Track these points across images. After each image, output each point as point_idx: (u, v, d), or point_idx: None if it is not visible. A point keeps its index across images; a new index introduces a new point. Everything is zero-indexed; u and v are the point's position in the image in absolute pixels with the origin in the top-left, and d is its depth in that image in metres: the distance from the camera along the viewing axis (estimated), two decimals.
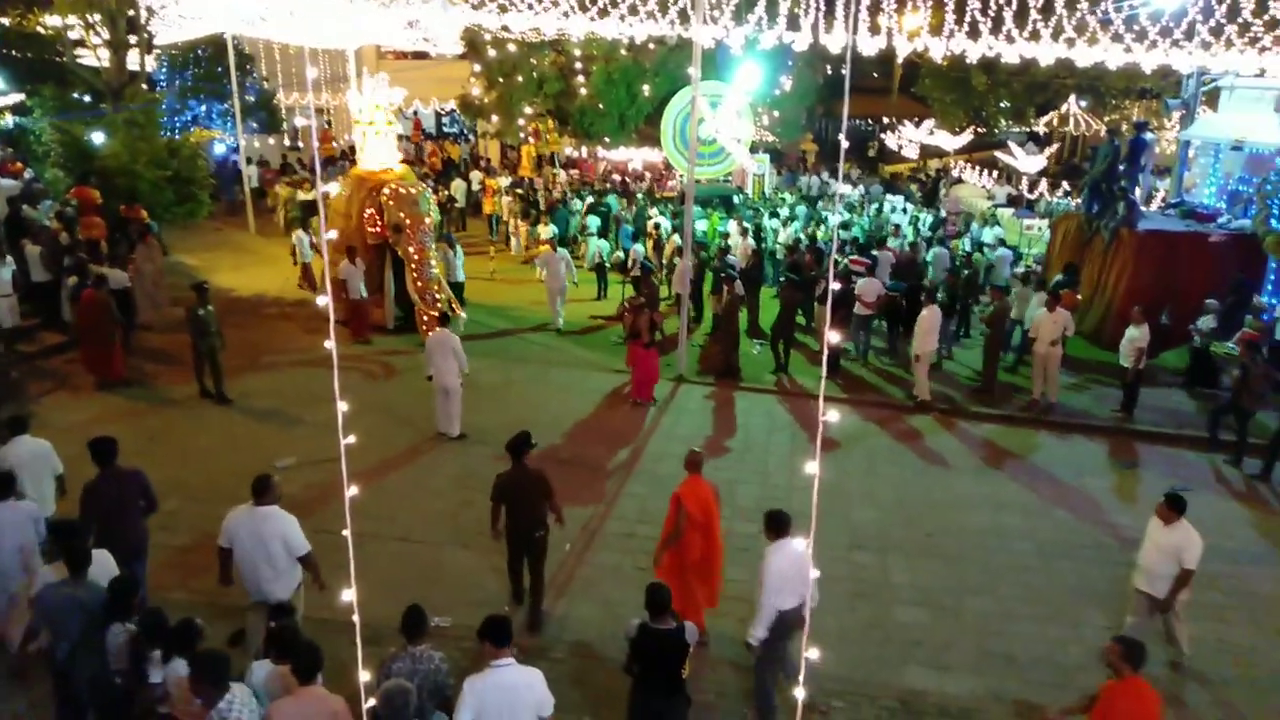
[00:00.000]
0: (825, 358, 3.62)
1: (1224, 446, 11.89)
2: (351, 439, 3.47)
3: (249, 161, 25.73)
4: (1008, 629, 8.08)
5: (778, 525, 6.40)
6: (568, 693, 6.75)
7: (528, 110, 27.31)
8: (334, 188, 22.87)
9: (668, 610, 5.65)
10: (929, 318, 12.90)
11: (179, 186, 18.65)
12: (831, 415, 3.66)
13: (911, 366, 13.36)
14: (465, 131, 38.32)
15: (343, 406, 3.49)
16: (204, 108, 25.77)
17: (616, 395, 13.28)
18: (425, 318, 14.21)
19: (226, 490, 9.84)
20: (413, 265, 14.48)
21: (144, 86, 21.39)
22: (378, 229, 14.70)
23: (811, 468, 3.36)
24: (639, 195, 25.56)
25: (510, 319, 16.81)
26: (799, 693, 3.62)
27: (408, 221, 14.38)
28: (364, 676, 3.86)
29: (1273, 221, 13.89)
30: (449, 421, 11.38)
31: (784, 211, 22.66)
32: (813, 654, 3.67)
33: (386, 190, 14.48)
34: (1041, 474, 11.32)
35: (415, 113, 34.82)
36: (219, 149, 26.76)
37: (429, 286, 14.57)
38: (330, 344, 3.36)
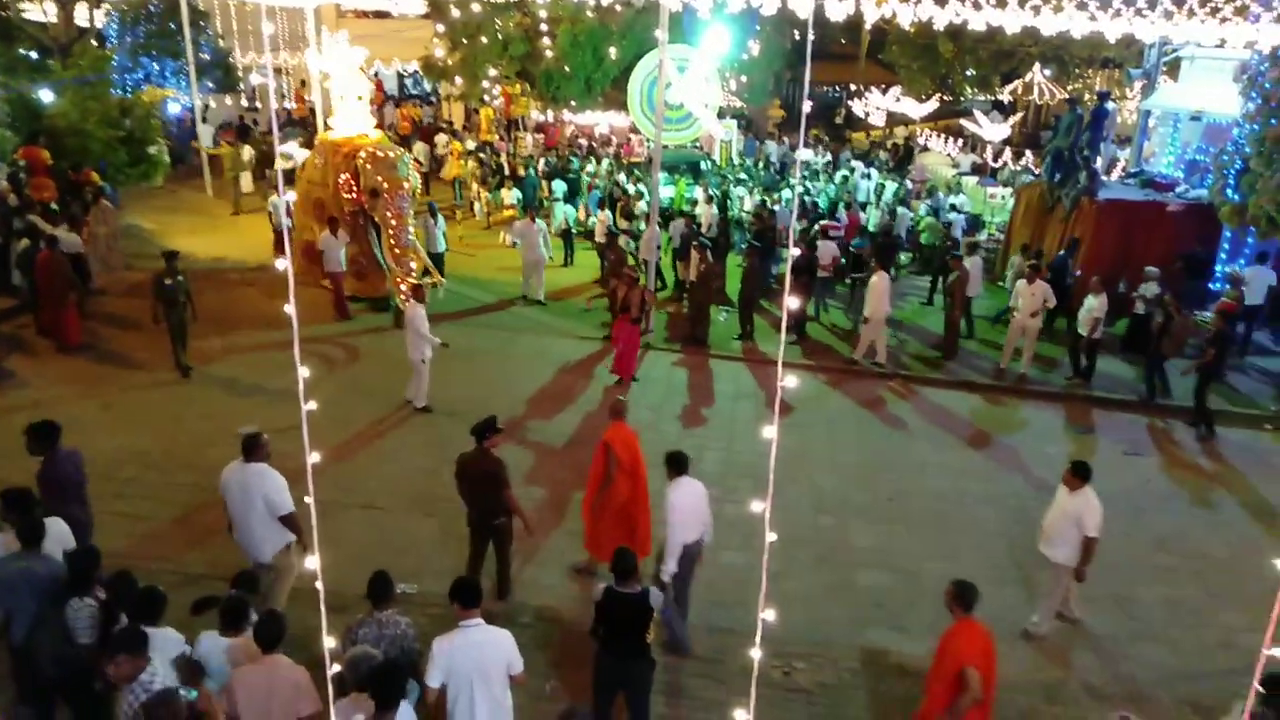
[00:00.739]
0: (784, 323, 3.63)
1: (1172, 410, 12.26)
2: (313, 405, 3.43)
3: (204, 121, 25.07)
4: None
5: (677, 464, 6.83)
6: (534, 656, 6.80)
7: (492, 72, 26.83)
8: (292, 148, 22.46)
9: (633, 575, 5.70)
10: (879, 284, 13.04)
11: (132, 147, 18.11)
12: (792, 381, 3.71)
13: (861, 328, 13.56)
14: (428, 94, 37.64)
15: (304, 373, 3.44)
16: (157, 66, 25.00)
17: (584, 363, 13.26)
18: (403, 286, 13.82)
19: (185, 458, 9.76)
20: (390, 231, 14.04)
21: (94, 43, 20.68)
22: (354, 194, 14.23)
23: (776, 433, 3.39)
24: (606, 160, 25.34)
25: (479, 287, 16.61)
26: (755, 653, 3.66)
27: (385, 186, 13.96)
28: (329, 643, 3.85)
29: (1228, 191, 14.13)
30: (415, 393, 11.31)
31: (745, 178, 22.63)
32: (770, 615, 3.70)
33: (363, 154, 14.08)
34: (999, 440, 11.52)
35: (376, 74, 34.11)
36: (173, 109, 26.03)
37: (405, 254, 14.18)
38: (290, 308, 3.30)
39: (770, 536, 3.35)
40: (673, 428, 11.25)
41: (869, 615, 7.84)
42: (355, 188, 14.21)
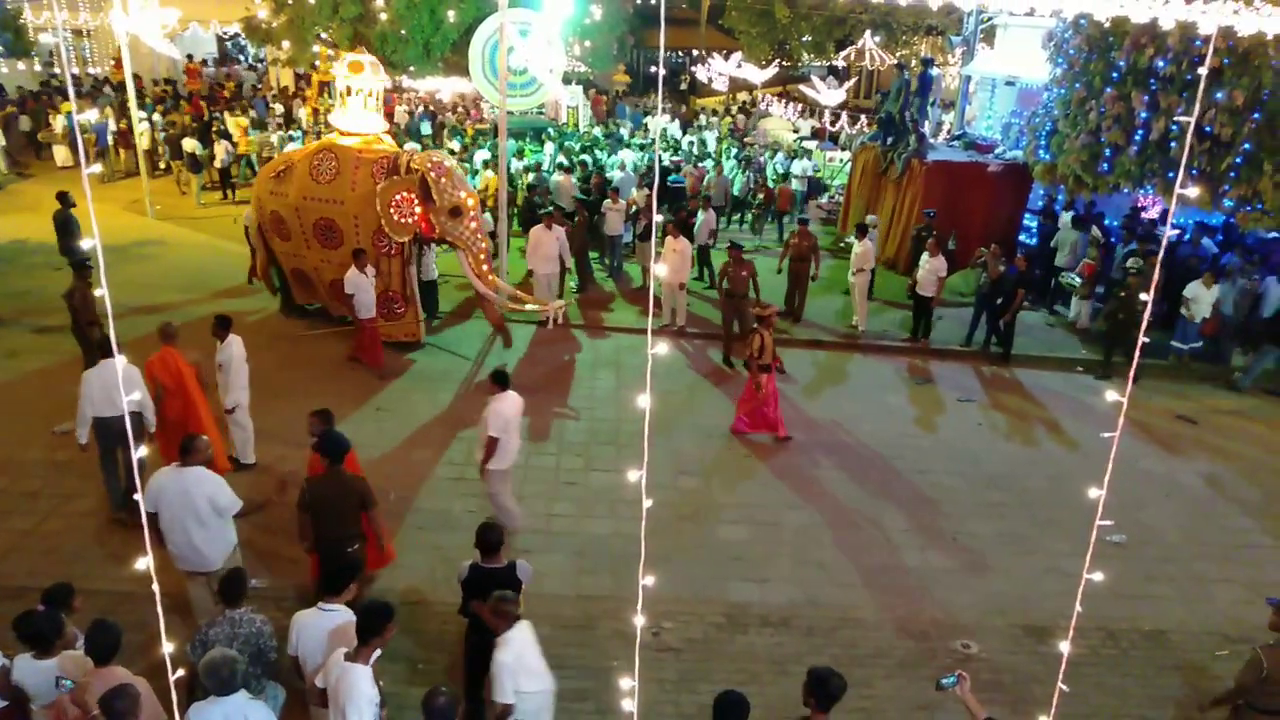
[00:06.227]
0: (650, 291, 3.61)
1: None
2: (136, 396, 3.15)
3: None
4: (820, 539, 8.63)
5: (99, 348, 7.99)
6: (400, 640, 6.61)
7: (322, 36, 25.41)
8: (93, 115, 20.61)
9: (498, 549, 5.63)
10: (682, 249, 13.14)
11: None
12: (662, 349, 3.71)
13: (674, 292, 13.48)
14: (252, 60, 35.37)
15: (122, 361, 3.15)
16: None
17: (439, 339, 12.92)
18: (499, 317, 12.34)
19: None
20: (480, 254, 11.87)
21: None
22: (413, 218, 11.51)
23: (639, 401, 3.38)
24: (447, 126, 24.63)
25: None
26: (639, 621, 3.69)
27: (469, 201, 11.72)
28: (168, 648, 3.59)
29: (1040, 151, 15.19)
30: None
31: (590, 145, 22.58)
32: (649, 580, 3.73)
33: (430, 165, 11.42)
34: (846, 393, 12.06)
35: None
36: None
37: (492, 275, 12.22)
38: (101, 291, 3.01)
39: (647, 503, 3.36)
40: (531, 400, 11.11)
41: (730, 569, 8.06)
42: (415, 210, 11.51)
